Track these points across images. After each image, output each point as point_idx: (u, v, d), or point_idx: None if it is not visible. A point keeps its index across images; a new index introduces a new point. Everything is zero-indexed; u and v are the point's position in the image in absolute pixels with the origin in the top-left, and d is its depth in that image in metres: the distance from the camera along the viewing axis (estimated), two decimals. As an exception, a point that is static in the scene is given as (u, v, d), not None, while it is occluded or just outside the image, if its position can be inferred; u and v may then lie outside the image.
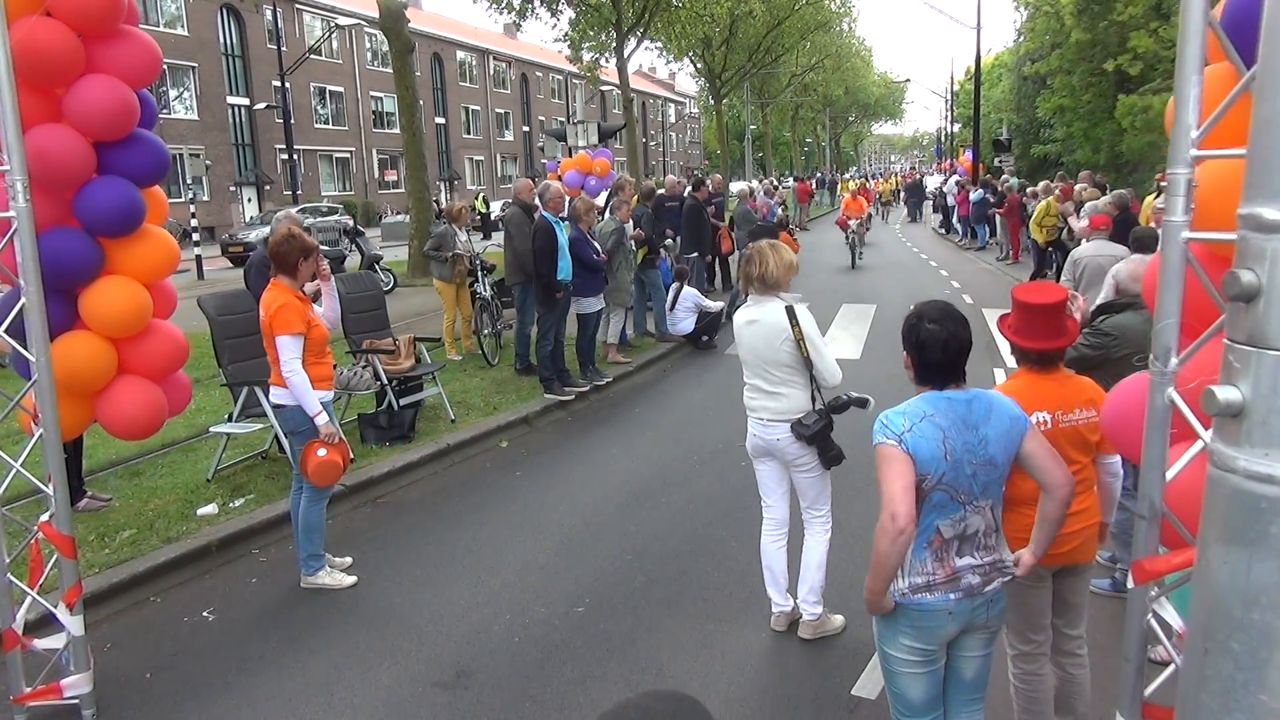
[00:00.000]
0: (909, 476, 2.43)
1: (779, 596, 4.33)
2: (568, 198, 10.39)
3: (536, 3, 25.76)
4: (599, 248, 9.12)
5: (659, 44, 32.27)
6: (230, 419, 6.57)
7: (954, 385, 2.58)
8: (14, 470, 3.66)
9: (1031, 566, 2.68)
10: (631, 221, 10.28)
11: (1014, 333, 3.04)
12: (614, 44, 26.81)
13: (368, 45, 47.22)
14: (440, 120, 52.42)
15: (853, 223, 20.33)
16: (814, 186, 40.16)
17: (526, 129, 62.43)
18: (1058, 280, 10.46)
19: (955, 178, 29.32)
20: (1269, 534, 0.95)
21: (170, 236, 4.66)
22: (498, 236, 29.18)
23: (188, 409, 8.09)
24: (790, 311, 3.99)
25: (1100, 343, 4.13)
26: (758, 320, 4.06)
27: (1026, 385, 2.99)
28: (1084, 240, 8.10)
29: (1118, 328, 4.15)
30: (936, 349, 2.53)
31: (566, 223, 8.89)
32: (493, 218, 35.57)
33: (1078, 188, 13.88)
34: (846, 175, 48.21)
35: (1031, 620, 3.10)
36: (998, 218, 20.48)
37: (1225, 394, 0.98)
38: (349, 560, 5.22)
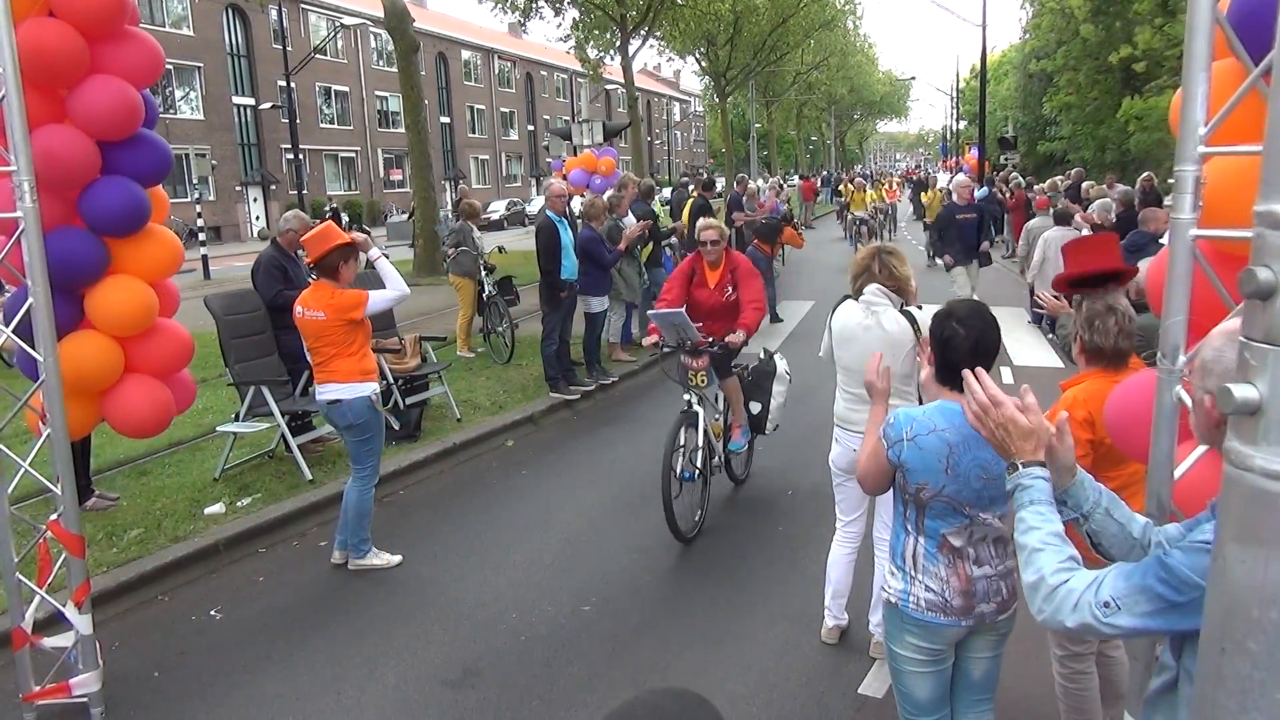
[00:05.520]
0: (881, 468, 2.58)
1: (839, 610, 4.21)
2: (577, 196, 10.43)
3: (541, 2, 25.74)
4: (610, 246, 9.12)
5: (663, 42, 32.22)
6: (237, 418, 6.59)
7: None
8: (22, 470, 3.67)
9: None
10: (631, 216, 10.28)
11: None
12: (618, 43, 26.80)
13: (373, 45, 47.27)
14: (445, 119, 52.48)
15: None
16: (819, 185, 40.01)
17: (531, 128, 62.46)
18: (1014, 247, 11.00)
19: (961, 175, 29.23)
20: (1286, 532, 0.95)
21: (174, 235, 4.67)
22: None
23: (194, 408, 8.14)
24: (912, 318, 3.75)
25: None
26: (875, 325, 3.76)
27: (1102, 390, 2.86)
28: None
29: (1140, 328, 4.16)
30: (961, 350, 2.45)
31: (578, 222, 8.94)
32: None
33: (1102, 186, 14.04)
34: (852, 175, 42.32)
35: None
36: (1004, 215, 20.40)
37: (1242, 392, 0.97)
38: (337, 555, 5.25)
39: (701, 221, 5.91)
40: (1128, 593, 1.49)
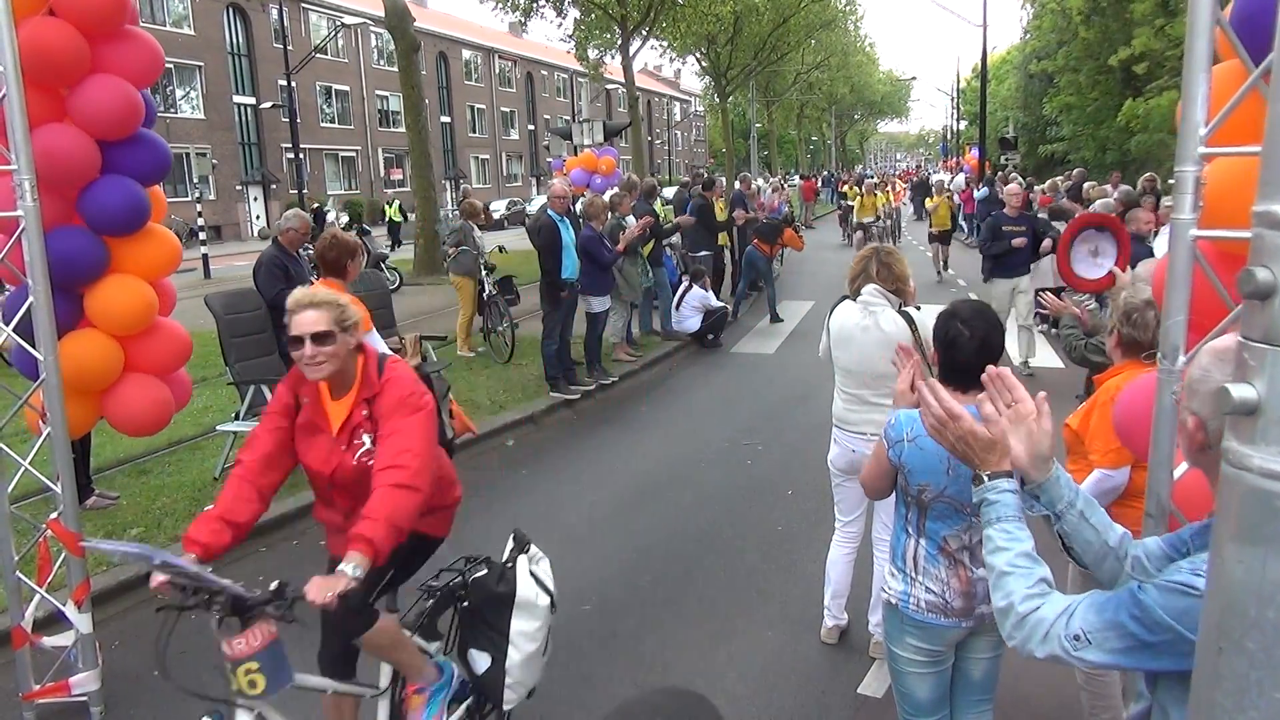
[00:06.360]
0: (883, 469, 2.59)
1: (838, 610, 4.21)
2: (578, 196, 10.45)
3: (542, 1, 25.75)
4: (609, 245, 9.12)
5: (664, 42, 32.23)
6: (237, 417, 6.59)
7: (976, 389, 2.52)
8: (23, 468, 3.68)
9: None
10: (633, 215, 10.29)
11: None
12: (619, 42, 26.81)
13: (373, 44, 47.28)
14: (445, 119, 52.49)
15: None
16: (819, 185, 39.99)
17: (531, 127, 62.47)
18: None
19: (962, 175, 29.26)
20: (1284, 532, 0.95)
21: (172, 234, 4.68)
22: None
23: (194, 407, 8.16)
24: (909, 319, 3.71)
25: None
26: (872, 326, 3.73)
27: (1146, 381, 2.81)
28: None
29: None
30: (966, 350, 2.46)
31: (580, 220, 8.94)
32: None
33: (1103, 187, 13.97)
34: (858, 176, 38.33)
35: None
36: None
37: (1240, 392, 0.98)
38: None
39: (294, 296, 3.01)
40: (1099, 627, 1.44)
